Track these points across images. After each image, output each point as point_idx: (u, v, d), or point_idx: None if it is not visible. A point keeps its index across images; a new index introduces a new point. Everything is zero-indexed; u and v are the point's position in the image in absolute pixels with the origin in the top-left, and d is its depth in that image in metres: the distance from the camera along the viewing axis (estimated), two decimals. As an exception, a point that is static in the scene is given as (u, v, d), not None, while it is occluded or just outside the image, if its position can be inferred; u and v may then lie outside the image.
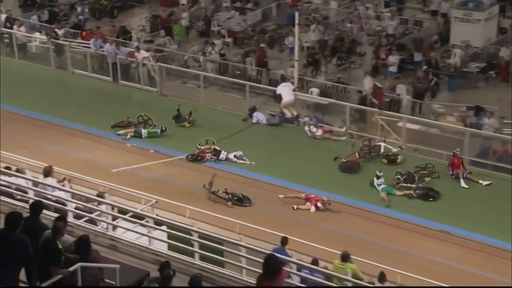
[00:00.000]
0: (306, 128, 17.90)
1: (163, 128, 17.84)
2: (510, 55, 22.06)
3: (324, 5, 29.40)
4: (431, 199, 15.06)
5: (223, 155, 16.65)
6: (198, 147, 16.91)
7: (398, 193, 15.19)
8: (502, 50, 22.32)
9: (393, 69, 22.05)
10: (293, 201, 14.68)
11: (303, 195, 14.77)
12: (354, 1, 29.06)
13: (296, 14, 19.34)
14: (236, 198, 14.71)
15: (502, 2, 26.49)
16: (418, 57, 23.13)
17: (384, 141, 16.98)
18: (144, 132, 17.79)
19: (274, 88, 20.35)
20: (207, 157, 16.60)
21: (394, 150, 16.82)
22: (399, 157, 16.59)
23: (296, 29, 19.17)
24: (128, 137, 17.69)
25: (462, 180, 15.57)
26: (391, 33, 24.98)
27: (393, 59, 22.07)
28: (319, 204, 14.54)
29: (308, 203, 14.63)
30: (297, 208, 14.56)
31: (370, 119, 18.34)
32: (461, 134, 16.97)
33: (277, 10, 29.10)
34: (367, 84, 20.87)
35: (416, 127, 17.87)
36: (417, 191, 15.17)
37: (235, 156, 16.67)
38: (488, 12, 24.12)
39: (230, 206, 14.60)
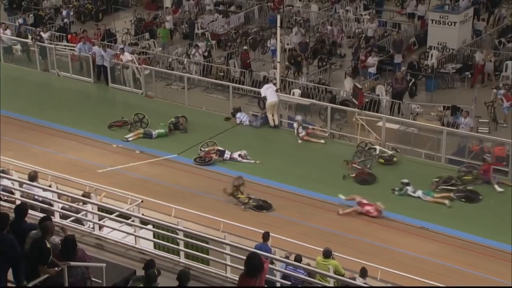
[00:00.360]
0: (296, 126, 18.18)
1: (171, 127, 18.07)
2: (485, 58, 22.58)
3: (305, 8, 29.84)
4: (472, 201, 15.12)
5: (227, 154, 16.85)
6: (202, 149, 17.08)
7: (436, 196, 15.23)
8: (477, 55, 22.79)
9: (372, 70, 22.49)
10: (349, 214, 14.56)
11: (358, 207, 14.60)
12: (334, 4, 29.53)
13: (278, 17, 19.69)
14: (254, 204, 14.77)
15: (476, 5, 27.14)
16: (398, 58, 23.62)
17: (380, 144, 17.30)
18: (154, 133, 17.97)
19: (257, 89, 20.77)
20: (214, 157, 16.74)
21: (390, 152, 17.14)
22: (394, 158, 16.92)
23: (278, 31, 19.52)
24: (131, 138, 17.77)
25: (496, 186, 15.63)
26: (370, 35, 25.43)
27: (372, 60, 22.51)
28: (371, 210, 14.46)
29: (360, 208, 14.54)
30: (343, 213, 14.56)
31: (351, 118, 18.77)
32: (439, 133, 17.43)
33: (260, 13, 29.45)
34: (347, 85, 21.30)
35: (395, 126, 18.31)
36: (457, 194, 15.26)
37: (239, 155, 16.88)
38: (463, 15, 24.69)
39: (243, 209, 14.75)
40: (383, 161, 16.86)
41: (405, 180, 15.53)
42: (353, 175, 16.12)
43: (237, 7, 29.74)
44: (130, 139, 17.84)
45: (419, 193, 15.32)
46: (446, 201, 15.11)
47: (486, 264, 13.13)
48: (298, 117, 18.47)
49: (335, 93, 20.70)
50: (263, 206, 14.82)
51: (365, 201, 14.70)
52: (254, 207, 14.77)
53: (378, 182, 16.05)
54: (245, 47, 24.07)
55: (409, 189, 15.38)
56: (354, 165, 16.41)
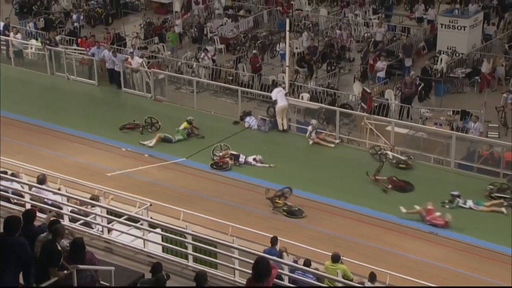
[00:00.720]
0: (310, 129, 18.18)
1: (189, 131, 18.11)
2: (496, 63, 22.50)
3: (314, 12, 29.88)
4: None
5: (241, 158, 16.83)
6: (215, 153, 17.07)
7: (486, 204, 15.04)
8: (484, 65, 22.64)
9: (381, 74, 22.47)
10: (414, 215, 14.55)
11: (424, 213, 14.51)
12: (343, 8, 29.54)
13: (287, 21, 19.72)
14: (287, 210, 14.77)
15: (487, 10, 27.07)
16: (408, 62, 23.59)
17: (391, 150, 17.24)
18: (174, 139, 17.93)
19: (265, 93, 20.82)
20: (230, 162, 16.70)
21: (403, 158, 17.02)
22: (410, 163, 16.83)
23: (287, 35, 19.55)
24: (152, 144, 17.67)
25: None
26: (379, 39, 25.42)
27: (381, 65, 22.49)
28: (439, 220, 14.36)
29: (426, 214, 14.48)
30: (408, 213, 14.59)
31: (360, 123, 18.77)
32: (448, 137, 17.38)
33: (269, 17, 29.52)
34: (356, 89, 21.29)
35: (404, 131, 18.28)
36: (510, 202, 15.02)
37: (254, 159, 16.88)
38: (473, 19, 24.64)
39: (271, 210, 14.83)
40: (404, 166, 16.72)
41: (455, 192, 15.18)
42: (389, 186, 15.84)
43: (246, 11, 29.81)
44: (151, 144, 17.66)
45: (470, 203, 15.07)
46: (503, 209, 14.89)
47: (493, 269, 13.07)
48: (313, 121, 18.46)
49: (336, 96, 20.63)
50: (294, 213, 14.72)
51: (432, 209, 14.47)
52: (286, 212, 14.70)
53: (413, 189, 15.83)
54: (254, 51, 24.12)
55: (460, 201, 15.11)
56: (376, 177, 15.97)
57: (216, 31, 27.24)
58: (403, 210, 14.64)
